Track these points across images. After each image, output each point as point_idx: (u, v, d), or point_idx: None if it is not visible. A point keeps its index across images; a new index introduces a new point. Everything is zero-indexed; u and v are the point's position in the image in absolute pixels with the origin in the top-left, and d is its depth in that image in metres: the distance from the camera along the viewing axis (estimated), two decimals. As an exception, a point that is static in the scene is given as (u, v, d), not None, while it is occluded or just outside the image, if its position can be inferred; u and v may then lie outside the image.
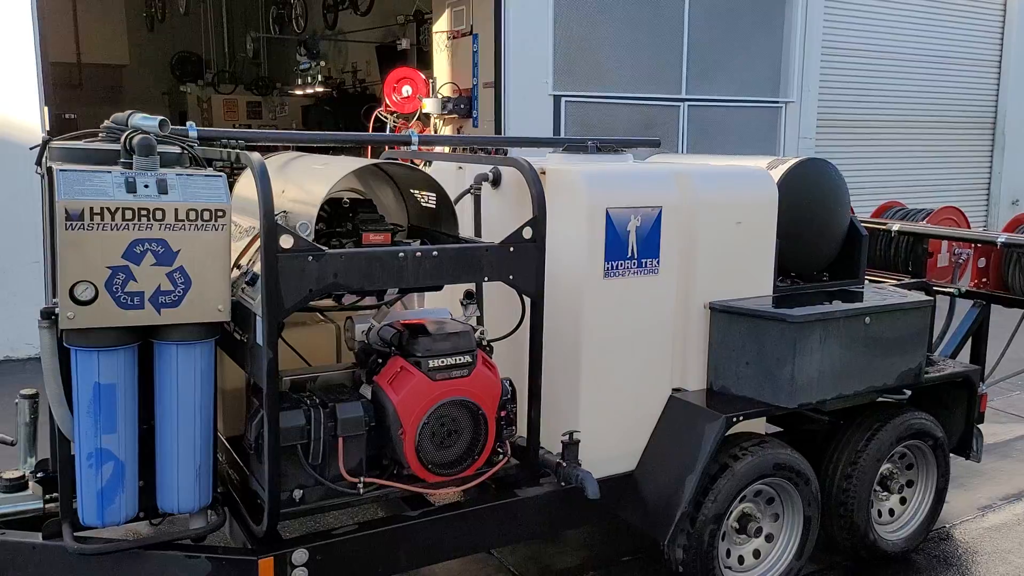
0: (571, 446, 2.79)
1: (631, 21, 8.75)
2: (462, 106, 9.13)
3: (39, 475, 2.80)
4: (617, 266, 2.87)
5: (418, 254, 2.46)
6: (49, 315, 2.22)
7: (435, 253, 2.48)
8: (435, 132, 9.24)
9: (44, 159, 2.56)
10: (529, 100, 8.32)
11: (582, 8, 8.49)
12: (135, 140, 2.32)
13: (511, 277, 2.61)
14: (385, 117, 9.26)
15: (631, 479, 3.00)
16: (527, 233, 2.62)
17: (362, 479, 2.53)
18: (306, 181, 2.71)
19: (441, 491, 2.65)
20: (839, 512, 3.22)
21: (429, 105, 9.06)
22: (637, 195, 2.88)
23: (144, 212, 2.22)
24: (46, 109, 6.18)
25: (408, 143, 3.46)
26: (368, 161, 2.62)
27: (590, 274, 2.83)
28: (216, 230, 2.32)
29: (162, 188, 2.26)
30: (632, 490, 2.98)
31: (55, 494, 2.72)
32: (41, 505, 2.63)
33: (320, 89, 12.24)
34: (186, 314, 2.31)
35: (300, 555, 2.42)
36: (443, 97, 9.15)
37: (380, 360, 2.62)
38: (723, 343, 3.03)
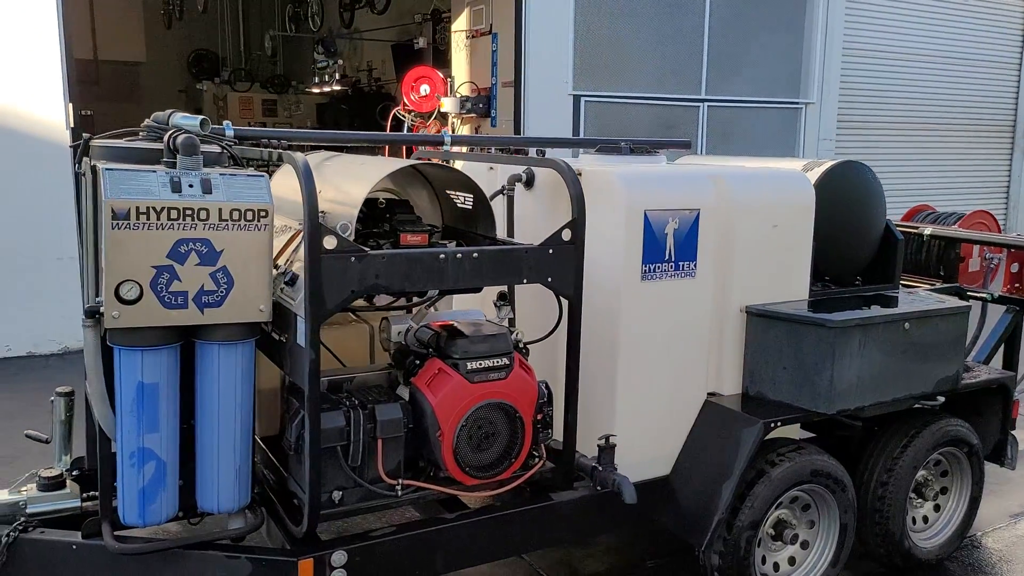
0: (607, 450, 2.77)
1: (651, 20, 8.72)
2: (480, 105, 9.12)
3: (74, 473, 2.81)
4: (654, 269, 2.85)
5: (458, 255, 2.44)
6: (93, 314, 2.21)
7: (475, 255, 2.46)
8: (453, 131, 9.23)
9: (85, 158, 2.56)
10: (549, 100, 8.31)
11: (602, 7, 8.47)
12: (179, 139, 2.32)
13: (549, 279, 2.60)
14: (403, 116, 9.27)
15: (666, 484, 2.98)
16: (566, 235, 2.60)
17: (400, 481, 2.52)
18: (344, 181, 2.70)
19: (478, 494, 2.64)
20: (874, 519, 3.20)
21: (447, 104, 9.06)
22: (675, 197, 2.86)
23: (189, 212, 2.22)
24: (70, 106, 6.20)
25: (441, 143, 3.46)
26: (407, 162, 2.61)
27: (627, 277, 2.81)
28: (259, 230, 2.32)
29: (206, 188, 2.26)
30: (667, 495, 2.96)
31: (92, 492, 2.73)
32: (79, 504, 2.64)
33: (337, 87, 12.22)
34: (228, 314, 2.30)
35: (339, 557, 2.42)
36: (462, 96, 9.15)
37: (418, 361, 2.60)
38: (760, 347, 3.00)
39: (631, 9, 8.58)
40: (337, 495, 2.45)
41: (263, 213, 2.32)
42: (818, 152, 9.79)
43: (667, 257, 2.87)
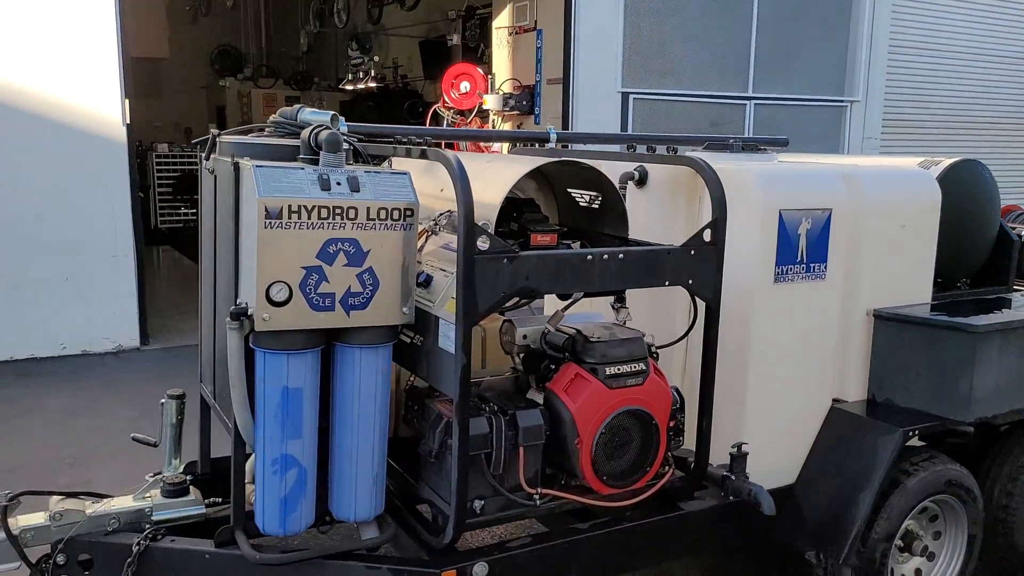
0: (740, 458, 2.69)
1: (699, 17, 8.62)
2: (524, 103, 9.03)
3: (188, 478, 2.73)
4: (787, 271, 2.76)
5: (605, 256, 2.35)
6: (239, 316, 2.13)
7: (621, 256, 2.37)
8: (494, 128, 9.14)
9: (213, 154, 2.48)
10: (597, 97, 8.21)
11: (651, 4, 8.37)
12: (323, 135, 2.23)
13: (690, 281, 2.51)
14: (443, 112, 9.18)
15: (790, 493, 2.89)
16: (707, 235, 2.51)
17: (539, 490, 2.44)
18: (473, 180, 2.61)
19: (615, 504, 2.55)
20: (998, 530, 3.10)
21: (490, 101, 8.97)
22: (808, 196, 2.77)
23: (338, 210, 2.13)
24: (127, 102, 6.13)
25: (546, 140, 3.37)
26: (544, 160, 2.52)
27: (761, 279, 2.72)
28: (404, 229, 2.24)
29: (354, 186, 2.18)
30: (792, 506, 2.87)
31: (215, 499, 2.65)
32: (203, 510, 2.56)
33: (373, 84, 12.14)
34: (373, 316, 2.23)
35: (480, 568, 2.33)
36: (504, 93, 9.05)
37: (552, 366, 2.52)
38: (890, 352, 2.91)
39: (679, 6, 8.48)
40: (478, 504, 2.36)
41: (409, 212, 2.24)
42: (863, 151, 9.67)
43: (799, 259, 2.77)
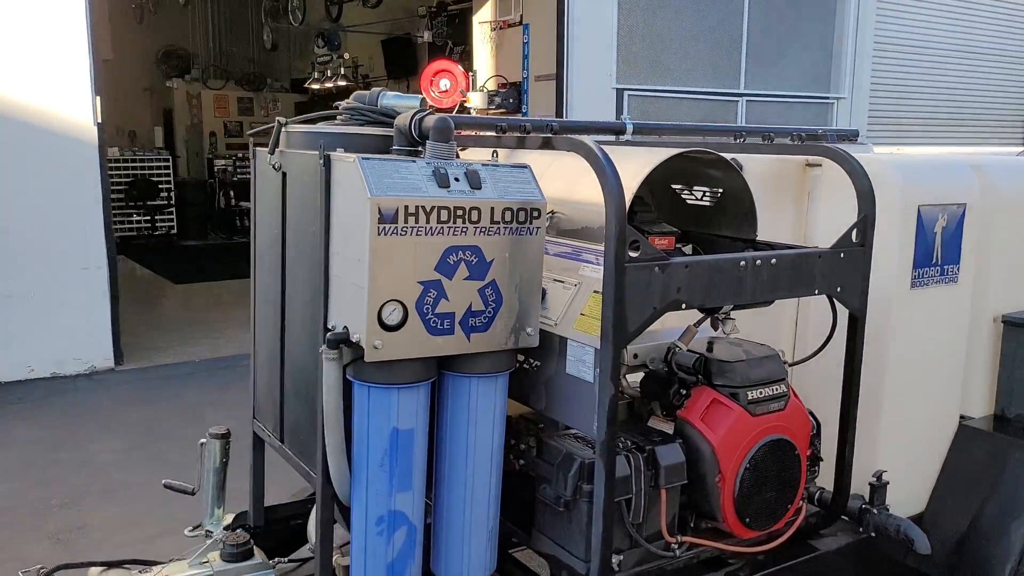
0: (880, 488, 2.37)
1: (692, 12, 8.38)
2: (511, 100, 8.67)
3: (243, 532, 2.30)
4: (923, 274, 2.45)
5: (757, 263, 2.01)
6: (337, 344, 1.72)
7: (773, 261, 2.03)
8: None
9: (275, 148, 2.06)
10: (592, 93, 7.91)
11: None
12: (429, 121, 1.84)
13: (839, 289, 2.18)
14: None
15: (920, 522, 2.58)
16: (855, 236, 2.19)
17: (678, 538, 2.08)
18: (580, 177, 2.24)
19: (758, 548, 2.20)
20: None
21: (475, 99, 8.58)
22: (945, 190, 2.47)
23: (459, 212, 1.75)
24: (98, 99, 5.57)
25: (621, 131, 3.02)
26: (675, 151, 2.15)
27: (898, 284, 2.41)
28: (531, 234, 1.86)
29: (474, 182, 1.79)
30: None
31: (280, 559, 2.23)
32: (273, 575, 2.13)
33: (343, 83, 11.63)
34: (494, 340, 1.84)
35: (624, 635, 1.96)
36: (489, 91, 8.68)
37: (684, 391, 2.16)
38: (1021, 362, 2.63)
39: (672, 1, 8.23)
40: (615, 560, 1.99)
41: (536, 213, 1.86)
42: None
43: (935, 260, 2.47)
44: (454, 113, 8.99)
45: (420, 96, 2.08)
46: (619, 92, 7.98)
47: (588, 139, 1.85)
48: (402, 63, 12.96)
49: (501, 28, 8.85)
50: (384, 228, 1.66)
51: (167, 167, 13.46)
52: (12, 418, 4.94)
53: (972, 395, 2.72)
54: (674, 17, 8.24)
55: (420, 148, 1.89)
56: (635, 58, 8.10)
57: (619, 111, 8.02)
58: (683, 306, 1.91)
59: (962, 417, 2.67)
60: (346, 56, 12.02)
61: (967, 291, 2.58)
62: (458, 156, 2.01)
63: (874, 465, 2.42)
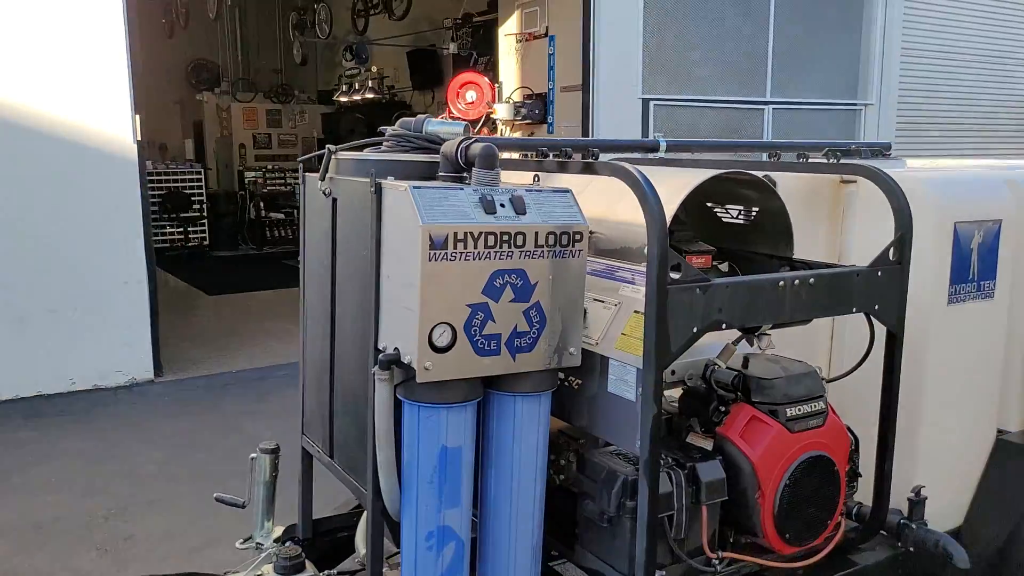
0: (919, 503, 2.39)
1: (717, 21, 8.40)
2: (536, 111, 8.74)
3: (294, 545, 2.37)
4: (959, 290, 2.47)
5: (796, 282, 2.04)
6: (389, 365, 1.78)
7: (812, 280, 2.07)
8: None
9: (326, 174, 2.13)
10: (618, 103, 7.95)
11: (670, 9, 8.14)
12: (475, 149, 1.90)
13: (877, 307, 2.21)
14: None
15: (957, 537, 2.59)
16: (892, 254, 2.21)
17: (719, 553, 2.12)
18: (620, 200, 2.29)
19: (797, 564, 2.23)
20: None
21: (501, 111, 8.66)
22: (980, 206, 2.49)
23: (505, 237, 1.80)
24: (137, 117, 5.71)
25: (655, 149, 3.06)
26: (713, 173, 2.19)
27: (934, 301, 2.44)
28: (573, 256, 1.91)
29: (519, 207, 1.85)
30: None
31: (329, 572, 2.30)
32: (324, 587, 2.20)
33: (370, 95, 11.77)
34: (539, 360, 1.90)
35: (671, 650, 2.00)
36: (515, 102, 8.75)
37: (722, 408, 2.19)
38: (1059, 376, 2.64)
39: (697, 10, 8.26)
40: (659, 575, 2.03)
41: (578, 236, 1.91)
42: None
43: (971, 276, 2.49)
44: (480, 124, 9.11)
45: (464, 123, 2.14)
46: (645, 102, 8.01)
47: (629, 164, 1.90)
48: (427, 74, 13.09)
49: (527, 40, 8.93)
50: (434, 254, 1.72)
51: (199, 179, 13.68)
52: (57, 430, 5.08)
53: (1009, 409, 2.73)
54: (699, 26, 8.27)
55: (466, 174, 1.95)
56: (661, 68, 8.13)
57: (644, 121, 8.06)
58: (723, 326, 1.95)
59: (999, 431, 2.68)
60: (373, 69, 12.16)
61: (1003, 306, 2.60)
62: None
63: (913, 480, 2.44)
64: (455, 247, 1.74)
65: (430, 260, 1.72)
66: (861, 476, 2.38)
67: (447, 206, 1.77)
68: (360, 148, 2.22)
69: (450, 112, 8.87)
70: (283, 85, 16.47)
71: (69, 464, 4.56)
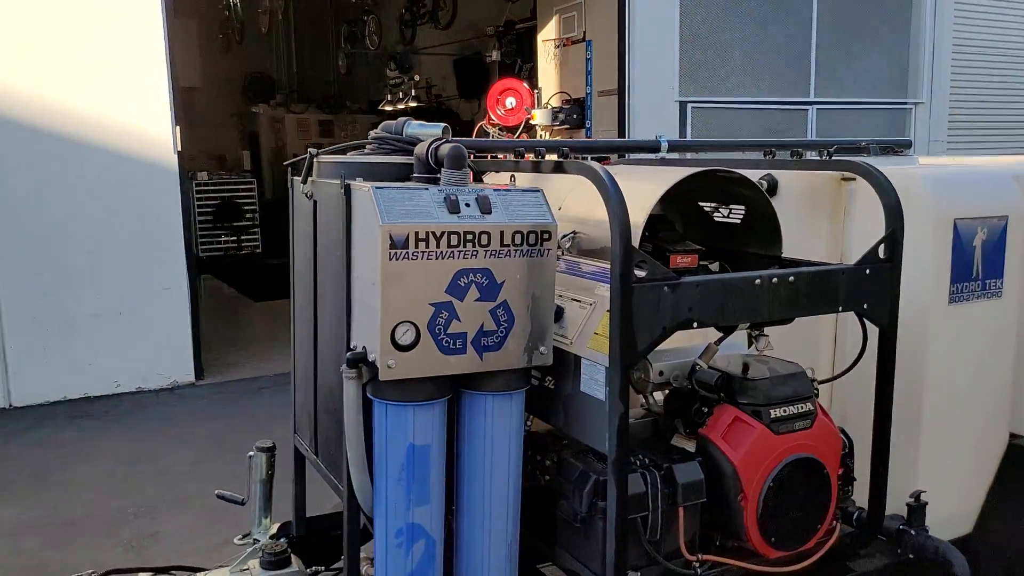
0: (919, 509, 2.31)
1: (758, 21, 8.27)
2: (574, 116, 8.73)
3: (282, 541, 2.41)
4: (962, 289, 2.39)
5: (774, 280, 2.01)
6: (357, 363, 1.82)
7: (791, 279, 2.03)
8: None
9: (308, 177, 2.18)
10: (655, 106, 7.89)
11: (707, 11, 8.05)
12: (443, 149, 1.92)
13: (865, 306, 2.15)
14: (488, 129, 8.90)
15: (966, 545, 2.50)
16: (882, 252, 2.16)
17: (699, 556, 2.09)
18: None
19: (785, 569, 2.19)
20: None
21: (539, 116, 8.67)
22: (982, 203, 2.41)
23: (469, 236, 1.82)
24: (177, 129, 5.90)
25: (656, 149, 3.04)
26: (688, 171, 2.17)
27: (934, 300, 2.36)
28: (542, 255, 1.92)
29: (484, 207, 1.86)
30: (969, 560, 2.48)
31: (317, 568, 2.34)
32: (308, 583, 2.24)
33: (414, 104, 11.93)
34: (507, 359, 1.91)
35: (642, 651, 1.98)
36: (554, 108, 8.76)
37: (705, 409, 2.17)
38: (1077, 379, 2.53)
39: (735, 11, 8.15)
40: (633, 576, 2.01)
41: (547, 235, 1.92)
42: (928, 153, 9.24)
43: (974, 275, 2.41)
44: (520, 129, 9.13)
45: (443, 124, 2.16)
46: (682, 105, 7.94)
47: (597, 166, 1.90)
48: (473, 82, 13.20)
49: (565, 45, 8.93)
50: (395, 253, 1.75)
51: (251, 189, 14.02)
52: (98, 431, 5.27)
53: (1022, 412, 2.62)
54: (737, 27, 8.15)
55: (438, 175, 1.97)
56: (698, 70, 8.04)
57: (682, 124, 7.98)
58: (695, 325, 1.93)
59: (1012, 435, 2.58)
60: (416, 78, 12.30)
61: (1012, 305, 2.50)
62: (481, 180, 2.09)
63: (914, 484, 2.37)
64: (416, 246, 1.76)
65: (391, 259, 1.75)
66: (856, 480, 2.32)
67: (410, 206, 1.79)
68: (344, 151, 2.27)
69: (489, 119, 8.94)
70: (334, 96, 16.79)
71: (105, 463, 4.73)
